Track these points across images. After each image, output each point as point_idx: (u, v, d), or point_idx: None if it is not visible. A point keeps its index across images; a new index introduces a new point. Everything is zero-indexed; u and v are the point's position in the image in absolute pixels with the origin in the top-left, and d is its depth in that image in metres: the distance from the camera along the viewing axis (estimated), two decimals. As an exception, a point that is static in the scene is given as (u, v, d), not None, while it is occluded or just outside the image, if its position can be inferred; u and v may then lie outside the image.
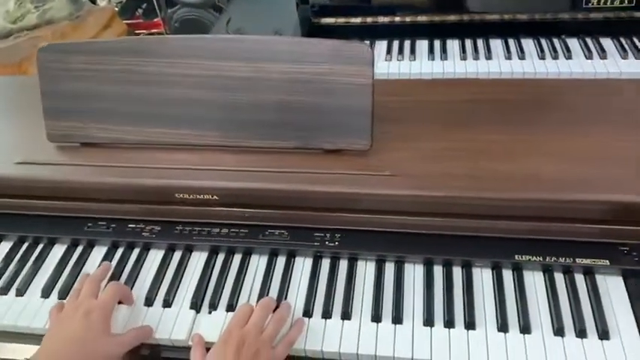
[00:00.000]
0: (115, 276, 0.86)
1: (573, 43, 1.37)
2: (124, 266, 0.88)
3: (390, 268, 0.83)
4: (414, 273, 0.82)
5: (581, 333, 0.72)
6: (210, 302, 0.81)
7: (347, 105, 0.82)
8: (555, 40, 1.37)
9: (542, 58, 1.33)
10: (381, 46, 1.43)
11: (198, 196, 0.86)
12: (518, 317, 0.74)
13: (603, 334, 0.71)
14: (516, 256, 0.80)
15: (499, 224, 0.80)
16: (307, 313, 0.78)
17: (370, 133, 0.83)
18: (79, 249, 0.91)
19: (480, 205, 0.78)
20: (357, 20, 1.42)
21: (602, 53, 1.31)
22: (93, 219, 0.92)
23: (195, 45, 0.85)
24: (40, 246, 0.92)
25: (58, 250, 0.92)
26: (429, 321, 0.75)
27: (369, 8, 1.41)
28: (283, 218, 0.86)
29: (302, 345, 0.75)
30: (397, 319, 0.76)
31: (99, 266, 0.86)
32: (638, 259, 0.77)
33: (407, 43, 1.42)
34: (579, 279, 0.78)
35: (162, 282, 0.84)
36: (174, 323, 0.79)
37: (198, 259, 0.88)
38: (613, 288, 0.77)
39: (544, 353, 0.71)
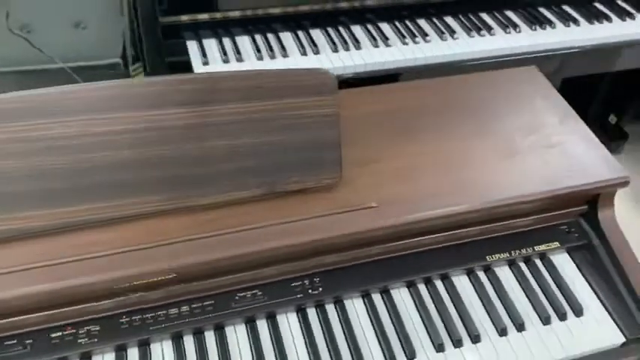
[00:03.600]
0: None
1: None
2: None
3: (379, 300, 0.79)
4: (403, 298, 0.80)
5: (562, 316, 0.79)
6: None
7: (312, 139, 0.74)
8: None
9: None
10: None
11: (150, 280, 0.69)
12: (511, 318, 0.78)
13: (579, 312, 0.80)
14: (487, 257, 0.83)
15: (472, 231, 0.82)
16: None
17: (340, 164, 0.76)
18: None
19: (461, 216, 0.79)
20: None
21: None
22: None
23: (115, 94, 0.65)
24: None
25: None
26: (439, 346, 0.74)
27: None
28: (254, 278, 0.75)
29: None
30: (411, 353, 0.74)
31: None
32: (578, 235, 0.87)
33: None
34: (540, 265, 0.85)
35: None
36: None
37: (162, 352, 0.72)
38: (565, 266, 0.86)
39: (545, 346, 0.76)
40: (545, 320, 0.78)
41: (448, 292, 0.81)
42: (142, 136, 0.68)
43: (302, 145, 0.73)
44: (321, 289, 0.77)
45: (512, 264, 0.85)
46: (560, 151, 0.87)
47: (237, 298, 0.75)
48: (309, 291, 0.77)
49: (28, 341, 0.68)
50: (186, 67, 1.17)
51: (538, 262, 0.86)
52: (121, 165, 0.68)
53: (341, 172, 0.76)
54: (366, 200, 0.76)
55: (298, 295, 0.76)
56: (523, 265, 0.85)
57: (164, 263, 0.68)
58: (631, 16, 1.41)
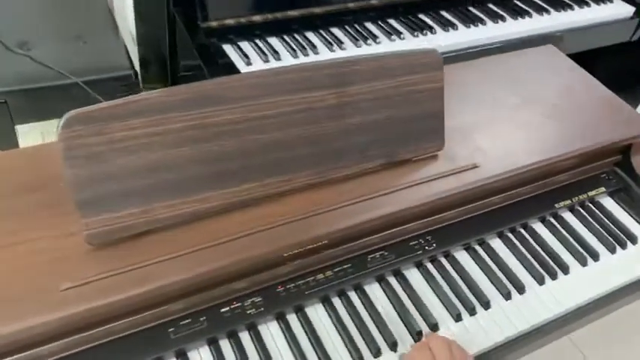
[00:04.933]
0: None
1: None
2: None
3: (480, 249, 0.91)
4: (497, 246, 0.92)
5: (623, 246, 0.95)
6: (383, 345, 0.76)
7: (423, 111, 0.84)
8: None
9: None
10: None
11: (307, 247, 0.77)
12: (587, 252, 0.93)
13: (634, 240, 0.96)
14: (555, 205, 0.98)
15: (539, 184, 0.96)
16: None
17: (443, 134, 0.87)
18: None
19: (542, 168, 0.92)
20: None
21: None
22: (175, 321, 0.72)
23: (268, 82, 0.72)
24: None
25: (144, 379, 0.69)
26: (540, 279, 0.87)
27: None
28: (382, 240, 0.84)
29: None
30: (520, 288, 0.86)
31: None
32: (616, 181, 1.04)
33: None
34: (593, 208, 1.01)
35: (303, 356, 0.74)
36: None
37: (316, 313, 0.79)
38: (611, 207, 1.02)
39: (615, 271, 0.91)
40: (612, 250, 0.94)
41: (531, 237, 0.94)
42: (293, 118, 0.75)
43: (416, 118, 0.84)
44: (434, 244, 0.87)
45: (572, 209, 1.00)
46: (593, 111, 1.04)
47: (369, 259, 0.84)
48: (426, 248, 0.87)
49: (201, 318, 0.73)
50: (230, 68, 1.22)
51: (591, 205, 1.01)
52: (278, 145, 0.75)
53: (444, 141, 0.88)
54: (467, 162, 0.87)
55: (418, 252, 0.86)
56: (581, 210, 1.00)
57: (321, 230, 0.76)
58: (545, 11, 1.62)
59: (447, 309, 0.82)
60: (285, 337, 0.75)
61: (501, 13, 1.57)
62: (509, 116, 1.00)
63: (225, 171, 0.72)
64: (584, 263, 0.91)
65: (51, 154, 0.82)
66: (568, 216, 0.99)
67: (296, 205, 0.77)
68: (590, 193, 1.01)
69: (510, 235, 0.94)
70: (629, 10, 1.71)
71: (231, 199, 0.73)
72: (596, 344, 1.68)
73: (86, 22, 1.62)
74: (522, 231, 0.95)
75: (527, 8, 1.61)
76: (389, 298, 0.82)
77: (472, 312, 0.82)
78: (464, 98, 1.02)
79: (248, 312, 0.75)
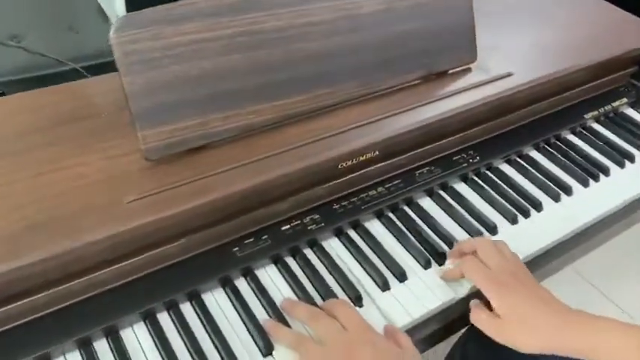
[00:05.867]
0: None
1: None
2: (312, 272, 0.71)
3: (518, 160, 0.91)
4: (535, 155, 0.92)
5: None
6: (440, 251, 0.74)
7: (455, 22, 0.84)
8: None
9: None
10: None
11: (360, 158, 0.75)
12: (621, 154, 0.94)
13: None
14: (584, 116, 0.99)
15: (573, 93, 0.97)
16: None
17: (476, 45, 0.87)
18: (241, 283, 0.68)
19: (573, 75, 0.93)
20: None
21: None
22: (239, 240, 0.69)
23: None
24: (188, 304, 0.65)
25: (215, 298, 0.67)
26: (565, 191, 0.88)
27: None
28: (429, 154, 0.84)
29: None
30: (563, 190, 0.86)
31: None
32: (634, 92, 1.06)
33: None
34: (618, 119, 1.03)
35: (371, 264, 0.72)
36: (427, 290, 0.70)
37: (373, 227, 0.77)
38: (633, 115, 1.04)
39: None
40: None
41: (566, 146, 0.95)
42: (336, 26, 0.74)
43: (449, 29, 0.84)
44: (478, 158, 0.87)
45: (598, 120, 1.01)
46: (609, 28, 1.06)
47: (417, 174, 0.83)
48: (470, 160, 0.86)
49: (263, 237, 0.71)
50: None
51: (615, 115, 1.03)
52: (323, 55, 0.74)
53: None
54: (501, 71, 0.88)
55: (464, 165, 0.86)
56: (607, 121, 1.02)
57: (372, 138, 0.75)
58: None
59: (501, 214, 0.81)
60: (348, 248, 0.74)
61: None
62: (534, 29, 1.02)
63: (275, 82, 0.70)
64: (622, 166, 0.92)
65: (87, 89, 0.80)
66: (596, 126, 1.00)
67: (346, 117, 0.76)
68: (614, 104, 1.03)
69: (546, 146, 0.94)
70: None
71: (283, 111, 0.72)
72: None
73: (76, 13, 1.59)
74: (557, 142, 0.95)
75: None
76: (443, 210, 0.81)
77: (526, 215, 0.82)
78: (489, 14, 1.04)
79: (309, 228, 0.73)
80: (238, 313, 0.65)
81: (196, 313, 0.65)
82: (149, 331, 0.62)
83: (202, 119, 0.66)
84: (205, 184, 0.65)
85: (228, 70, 0.67)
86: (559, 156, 0.92)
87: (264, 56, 0.69)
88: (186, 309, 0.65)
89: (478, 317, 0.66)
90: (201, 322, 0.64)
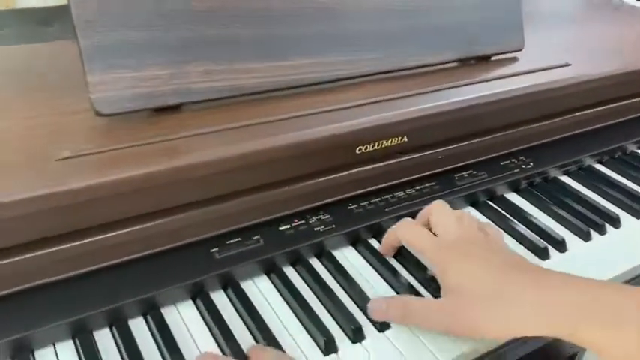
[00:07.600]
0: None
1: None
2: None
3: (576, 170, 0.73)
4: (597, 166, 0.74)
5: None
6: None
7: (499, 5, 0.70)
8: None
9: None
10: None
11: (384, 143, 0.57)
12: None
13: None
14: None
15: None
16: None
17: (522, 32, 0.72)
18: (219, 296, 0.48)
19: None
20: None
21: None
22: (220, 238, 0.50)
23: None
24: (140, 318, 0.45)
25: (180, 315, 0.46)
26: None
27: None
28: (468, 153, 0.66)
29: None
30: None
31: None
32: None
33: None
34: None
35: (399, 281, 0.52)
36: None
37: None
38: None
39: None
40: None
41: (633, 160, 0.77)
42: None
43: (490, 10, 0.69)
44: (531, 164, 0.69)
45: None
46: None
47: (456, 177, 0.65)
48: (523, 167, 0.68)
49: (254, 236, 0.52)
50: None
51: None
52: (339, 12, 0.58)
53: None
54: (557, 60, 0.72)
55: (515, 171, 0.67)
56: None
57: (398, 115, 0.57)
58: None
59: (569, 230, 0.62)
60: (368, 260, 0.54)
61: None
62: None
63: (274, 36, 0.54)
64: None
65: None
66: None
67: (365, 91, 0.59)
68: None
69: (610, 159, 0.76)
70: None
71: (282, 76, 0.55)
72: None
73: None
74: (622, 155, 0.78)
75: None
76: (494, 222, 0.62)
77: (602, 231, 0.62)
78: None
79: (316, 230, 0.54)
80: (215, 337, 0.45)
81: (157, 332, 0.45)
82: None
83: (176, 70, 0.50)
84: (172, 146, 0.47)
85: (216, 10, 0.51)
86: (628, 170, 0.74)
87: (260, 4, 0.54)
88: (140, 325, 0.45)
89: (412, 307, 0.46)
90: (162, 341, 0.44)
